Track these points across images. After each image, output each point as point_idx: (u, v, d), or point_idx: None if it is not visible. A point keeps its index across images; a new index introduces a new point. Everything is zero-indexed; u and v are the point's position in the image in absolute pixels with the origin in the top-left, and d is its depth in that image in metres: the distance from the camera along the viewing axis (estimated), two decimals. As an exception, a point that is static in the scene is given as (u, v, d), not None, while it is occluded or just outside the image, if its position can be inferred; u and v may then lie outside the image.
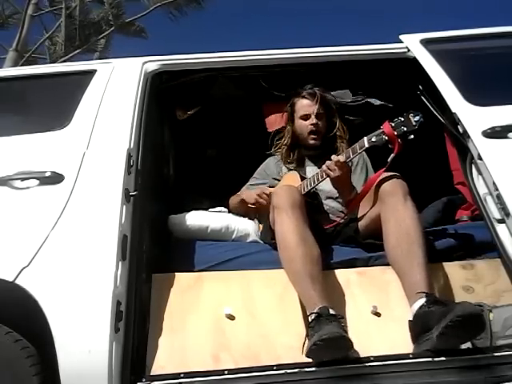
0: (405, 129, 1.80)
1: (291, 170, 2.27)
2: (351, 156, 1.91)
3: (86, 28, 8.82)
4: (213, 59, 2.13)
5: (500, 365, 1.41)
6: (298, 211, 1.73)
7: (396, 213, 1.70)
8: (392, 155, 1.82)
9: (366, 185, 1.93)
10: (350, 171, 2.00)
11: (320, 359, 1.43)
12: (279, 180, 2.26)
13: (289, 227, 1.69)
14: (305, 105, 2.27)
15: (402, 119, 1.82)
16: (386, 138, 1.82)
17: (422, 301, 1.48)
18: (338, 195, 2.07)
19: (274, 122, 2.58)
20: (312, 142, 2.24)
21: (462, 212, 2.20)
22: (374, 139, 1.85)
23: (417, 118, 1.79)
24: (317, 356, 1.43)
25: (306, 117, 2.25)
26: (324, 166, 1.92)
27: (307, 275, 1.59)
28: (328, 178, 1.93)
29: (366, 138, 1.88)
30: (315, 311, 1.50)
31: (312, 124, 2.22)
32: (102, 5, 8.95)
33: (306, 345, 1.45)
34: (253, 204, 2.11)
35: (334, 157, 1.90)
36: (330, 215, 2.09)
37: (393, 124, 1.82)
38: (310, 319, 1.51)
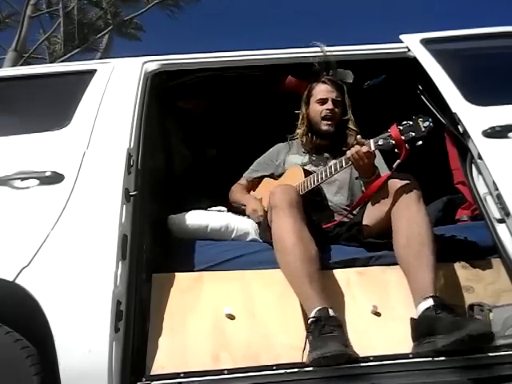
0: (413, 134, 1.70)
1: (304, 154, 2.22)
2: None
3: (85, 27, 8.83)
4: (213, 59, 2.13)
5: (500, 365, 1.41)
6: (295, 210, 1.71)
7: (409, 212, 1.68)
8: (398, 161, 1.75)
9: (371, 187, 1.84)
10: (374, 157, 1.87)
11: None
12: (282, 173, 2.22)
13: (286, 226, 1.68)
14: (323, 89, 2.19)
15: (411, 123, 1.72)
16: (393, 142, 1.74)
17: (429, 303, 1.48)
18: (343, 188, 2.07)
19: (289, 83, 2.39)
20: (325, 127, 2.15)
21: (462, 212, 2.20)
22: (380, 143, 1.77)
23: (426, 123, 1.69)
24: (318, 365, 1.42)
25: (322, 101, 2.17)
26: (349, 153, 1.80)
27: (305, 275, 1.58)
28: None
29: (372, 141, 1.80)
30: (314, 315, 1.49)
31: (328, 109, 2.15)
32: (99, 4, 8.96)
33: (306, 350, 1.45)
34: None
35: (357, 146, 1.80)
36: (333, 212, 2.05)
37: (401, 127, 1.73)
38: (308, 322, 1.50)
